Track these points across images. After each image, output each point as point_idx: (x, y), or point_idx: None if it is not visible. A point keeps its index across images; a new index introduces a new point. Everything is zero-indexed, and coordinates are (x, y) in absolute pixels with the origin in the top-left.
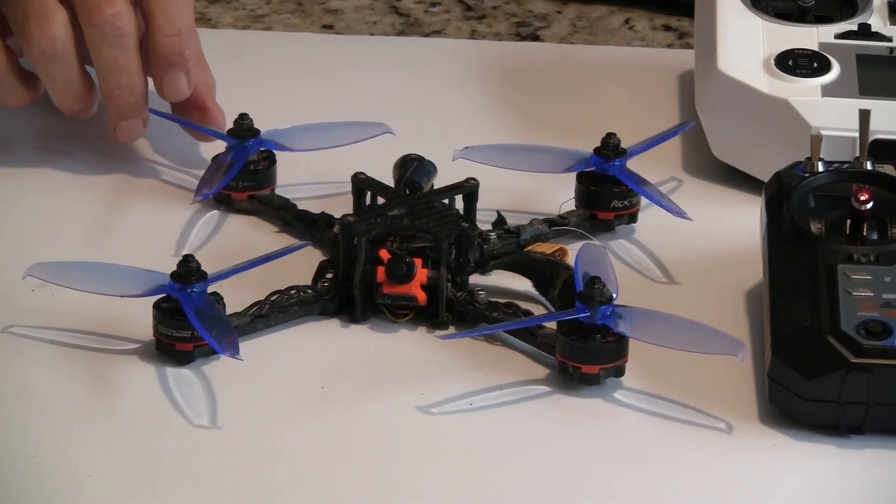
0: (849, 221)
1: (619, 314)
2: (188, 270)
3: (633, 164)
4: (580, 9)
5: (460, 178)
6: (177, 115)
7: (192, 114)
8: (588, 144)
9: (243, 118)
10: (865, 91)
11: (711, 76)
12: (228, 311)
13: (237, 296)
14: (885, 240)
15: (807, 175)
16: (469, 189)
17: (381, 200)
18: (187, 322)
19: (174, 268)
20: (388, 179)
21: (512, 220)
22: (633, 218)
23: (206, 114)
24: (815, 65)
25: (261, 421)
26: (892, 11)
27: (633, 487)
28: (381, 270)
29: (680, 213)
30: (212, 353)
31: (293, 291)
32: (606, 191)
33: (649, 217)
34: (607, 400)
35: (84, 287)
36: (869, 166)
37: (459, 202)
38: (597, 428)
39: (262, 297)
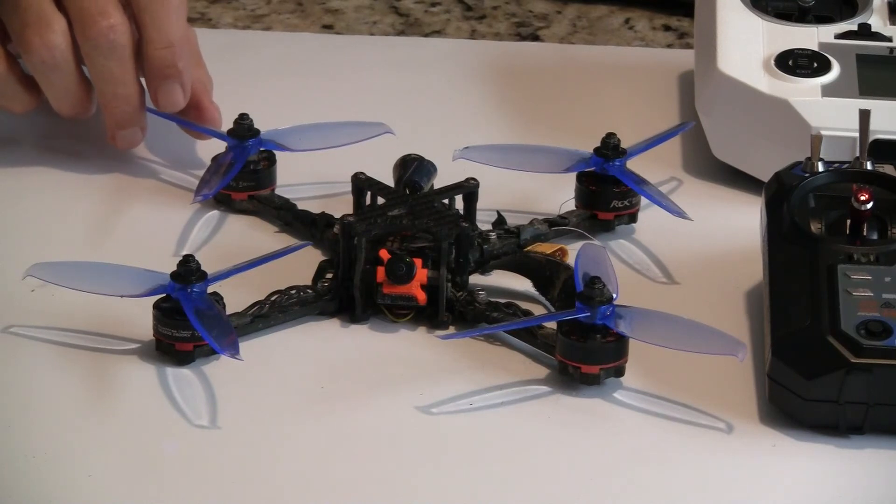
0: (849, 221)
1: (619, 314)
2: (188, 270)
3: (633, 164)
4: (580, 9)
5: (460, 178)
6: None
7: (188, 112)
8: (588, 144)
9: (243, 118)
10: (865, 91)
11: (711, 76)
12: (228, 311)
13: (237, 296)
14: (885, 240)
15: (807, 175)
16: (469, 189)
17: (381, 200)
18: (187, 322)
19: (174, 268)
20: (388, 179)
21: (512, 220)
22: (633, 218)
23: (201, 112)
24: (815, 65)
25: (261, 421)
26: (892, 11)
27: (633, 487)
28: (381, 270)
29: (680, 213)
30: (212, 353)
31: (293, 291)
32: (606, 191)
33: (649, 217)
34: (607, 400)
35: (84, 287)
36: (869, 166)
37: (459, 202)
38: (597, 428)
39: (262, 297)
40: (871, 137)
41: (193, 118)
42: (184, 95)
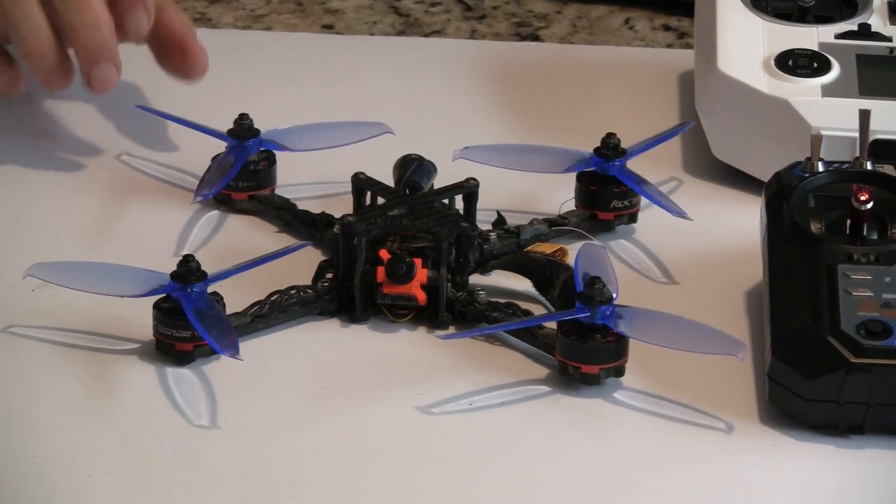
0: (849, 221)
1: (619, 314)
2: (188, 270)
3: (633, 164)
4: (580, 9)
5: (460, 178)
6: (157, 57)
7: (173, 56)
8: (588, 144)
9: (243, 118)
10: (865, 91)
11: (711, 76)
12: (228, 311)
13: (237, 296)
14: (885, 240)
15: (807, 175)
16: (469, 189)
17: (381, 200)
18: (187, 322)
19: (174, 268)
20: (388, 179)
21: (512, 220)
22: (633, 218)
23: (187, 55)
24: (815, 65)
25: (261, 421)
26: (892, 11)
27: (633, 487)
28: (381, 270)
29: (680, 213)
30: (212, 353)
31: (293, 291)
32: (606, 191)
33: (649, 217)
34: (607, 400)
35: (84, 287)
36: (869, 166)
37: (459, 202)
38: (597, 428)
39: (262, 297)
40: (871, 137)
41: (179, 62)
42: (148, 20)
